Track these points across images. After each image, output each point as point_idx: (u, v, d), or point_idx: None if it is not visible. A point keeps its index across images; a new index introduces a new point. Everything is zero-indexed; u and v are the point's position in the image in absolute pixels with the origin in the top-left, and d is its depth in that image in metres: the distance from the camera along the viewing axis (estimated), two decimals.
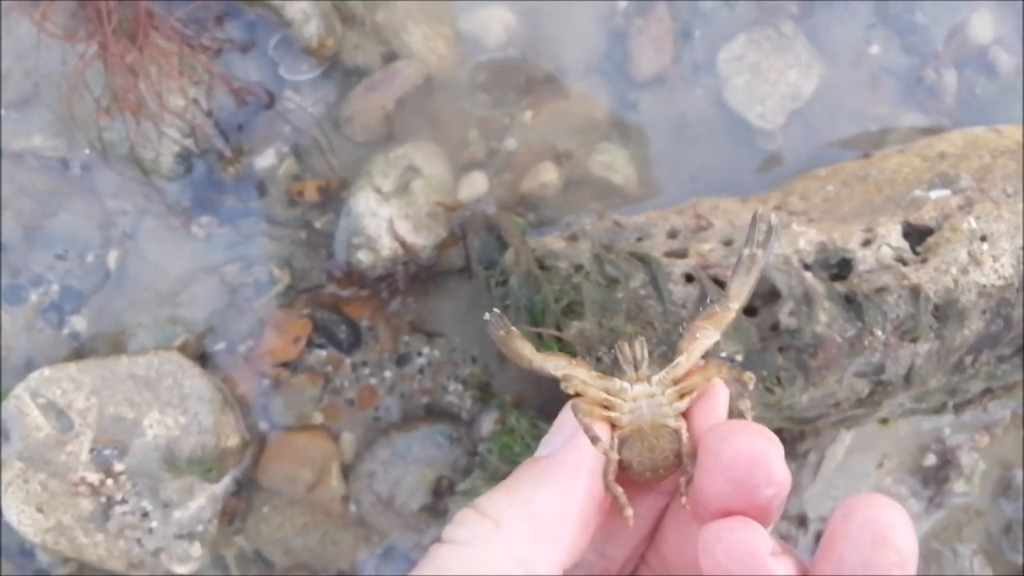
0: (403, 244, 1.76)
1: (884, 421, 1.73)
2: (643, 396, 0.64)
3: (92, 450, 1.69)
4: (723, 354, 1.49)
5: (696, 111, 1.87)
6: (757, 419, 1.63)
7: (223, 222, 1.82)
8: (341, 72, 1.82)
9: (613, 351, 0.67)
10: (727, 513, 0.54)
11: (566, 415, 0.61)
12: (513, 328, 0.71)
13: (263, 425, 1.84)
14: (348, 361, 1.86)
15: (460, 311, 1.86)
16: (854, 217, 1.58)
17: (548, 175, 1.83)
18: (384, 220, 1.76)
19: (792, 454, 1.81)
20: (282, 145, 1.82)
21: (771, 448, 0.54)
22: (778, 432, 1.78)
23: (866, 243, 1.54)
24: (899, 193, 1.65)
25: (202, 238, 1.82)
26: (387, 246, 1.76)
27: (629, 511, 0.58)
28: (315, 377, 1.85)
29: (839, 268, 1.52)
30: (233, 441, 1.78)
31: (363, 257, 1.77)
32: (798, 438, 1.81)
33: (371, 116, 1.81)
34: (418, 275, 1.81)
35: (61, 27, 1.69)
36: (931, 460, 1.90)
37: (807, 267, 1.50)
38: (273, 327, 1.83)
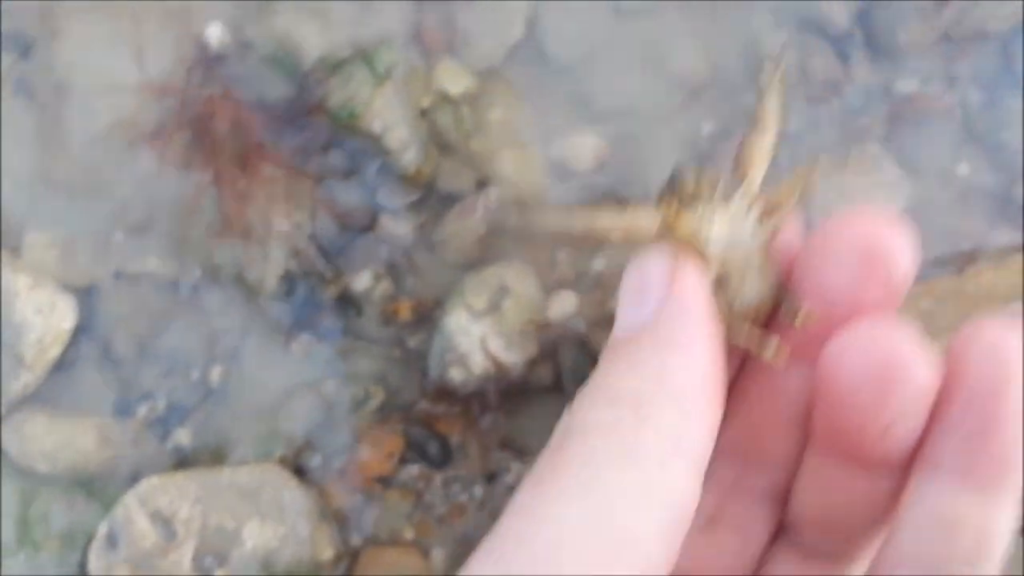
0: (495, 361, 1.81)
1: None
2: (726, 221, 0.47)
3: (194, 559, 1.73)
4: None
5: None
6: None
7: (321, 340, 1.89)
8: (436, 198, 1.91)
9: (666, 190, 0.49)
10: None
11: (644, 269, 0.46)
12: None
13: (355, 539, 1.87)
14: (439, 477, 1.88)
15: (549, 427, 1.87)
16: (952, 332, 1.56)
17: None
18: (476, 338, 1.81)
19: None
20: (379, 267, 1.90)
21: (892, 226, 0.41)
22: None
23: None
24: (998, 308, 1.64)
25: (301, 355, 1.89)
26: (479, 363, 1.81)
27: (775, 343, 0.43)
28: (407, 493, 1.88)
29: None
30: (328, 554, 1.81)
31: (455, 374, 1.81)
32: None
33: (464, 239, 1.89)
34: (508, 392, 1.85)
35: (179, 157, 1.82)
36: None
37: None
38: (368, 443, 1.88)
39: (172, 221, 1.85)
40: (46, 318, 1.85)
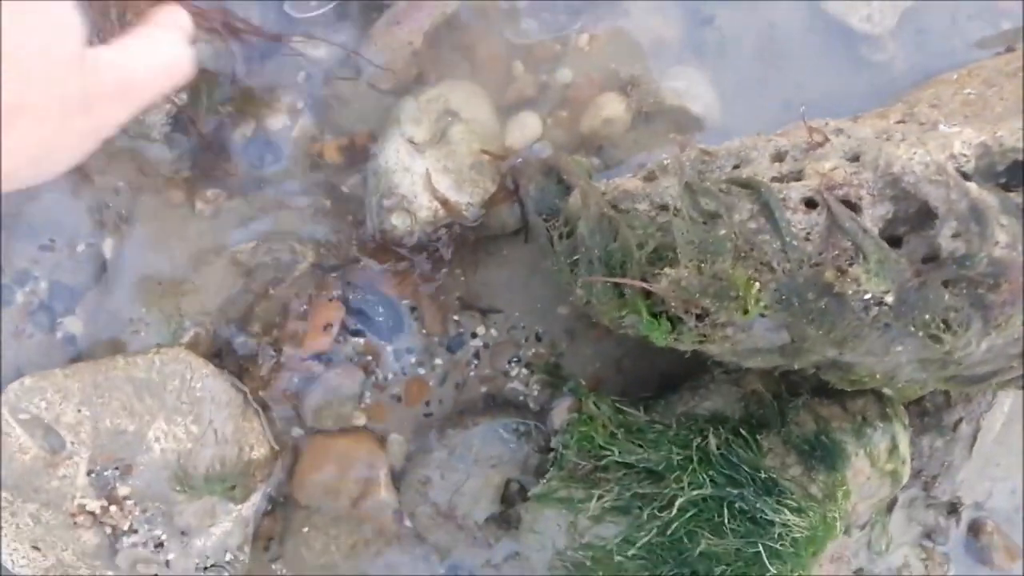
0: (444, 203, 1.46)
1: None
2: None
3: (90, 472, 1.41)
4: (867, 295, 1.15)
5: (786, 20, 1.55)
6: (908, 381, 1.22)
7: (232, 194, 1.54)
8: (357, 5, 1.53)
9: None
10: None
11: None
12: None
13: (296, 431, 1.55)
14: (390, 348, 1.56)
15: (517, 281, 1.55)
16: (1013, 115, 1.23)
17: (612, 109, 1.51)
18: (419, 175, 1.46)
19: (938, 427, 1.47)
20: (296, 99, 1.54)
21: None
22: (918, 401, 1.43)
23: None
24: None
25: (209, 214, 1.53)
26: (425, 206, 1.46)
27: None
28: (352, 370, 1.55)
29: (1009, 176, 1.18)
30: (259, 452, 1.49)
31: (397, 221, 1.47)
32: (943, 407, 1.47)
33: (397, 55, 1.52)
34: (465, 240, 1.51)
35: None
36: None
37: (966, 176, 1.16)
38: (298, 313, 1.54)
39: None
40: None
